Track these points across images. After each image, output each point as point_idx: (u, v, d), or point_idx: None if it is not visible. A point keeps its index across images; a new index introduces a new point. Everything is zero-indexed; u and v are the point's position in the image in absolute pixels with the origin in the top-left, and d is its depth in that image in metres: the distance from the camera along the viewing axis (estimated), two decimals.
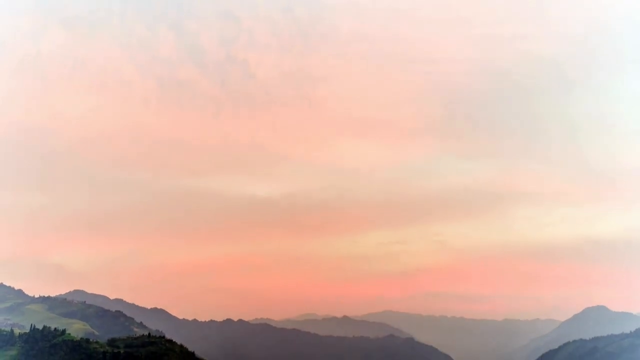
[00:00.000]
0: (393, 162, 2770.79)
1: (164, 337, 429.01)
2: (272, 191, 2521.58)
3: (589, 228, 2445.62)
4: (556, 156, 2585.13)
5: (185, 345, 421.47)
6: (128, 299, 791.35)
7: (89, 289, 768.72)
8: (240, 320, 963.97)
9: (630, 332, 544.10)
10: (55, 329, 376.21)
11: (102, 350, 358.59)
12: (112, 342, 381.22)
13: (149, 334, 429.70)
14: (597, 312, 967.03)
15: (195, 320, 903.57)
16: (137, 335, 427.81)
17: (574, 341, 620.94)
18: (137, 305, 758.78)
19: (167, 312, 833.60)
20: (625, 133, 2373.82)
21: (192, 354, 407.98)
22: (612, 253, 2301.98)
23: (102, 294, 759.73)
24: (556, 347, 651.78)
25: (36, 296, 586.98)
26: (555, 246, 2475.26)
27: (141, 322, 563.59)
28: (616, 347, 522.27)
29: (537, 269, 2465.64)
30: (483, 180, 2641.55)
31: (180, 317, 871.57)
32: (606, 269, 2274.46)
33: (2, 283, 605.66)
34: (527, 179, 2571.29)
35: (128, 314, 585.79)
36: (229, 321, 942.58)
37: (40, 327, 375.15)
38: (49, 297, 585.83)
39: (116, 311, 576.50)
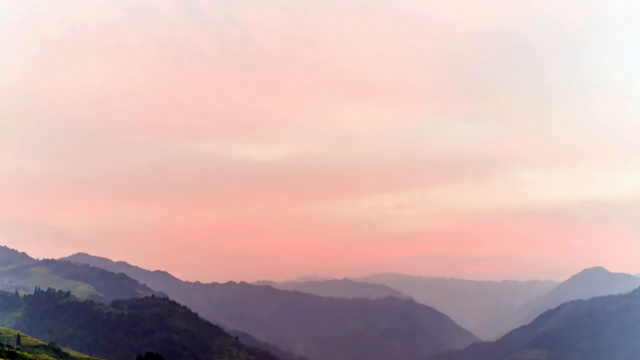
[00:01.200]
0: (395, 125, 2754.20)
1: (167, 298, 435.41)
2: (273, 155, 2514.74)
3: (589, 190, 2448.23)
4: (559, 118, 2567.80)
5: (188, 307, 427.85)
6: (131, 261, 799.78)
7: (92, 252, 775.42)
8: (242, 283, 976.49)
9: (628, 292, 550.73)
10: (59, 291, 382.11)
11: (106, 311, 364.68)
12: (116, 304, 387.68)
13: (153, 295, 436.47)
14: (595, 273, 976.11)
15: (198, 283, 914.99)
16: (141, 297, 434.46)
17: (572, 302, 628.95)
18: (140, 268, 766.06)
19: (170, 274, 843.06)
20: (630, 96, 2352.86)
21: (195, 315, 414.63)
22: (611, 214, 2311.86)
23: (105, 256, 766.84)
24: (554, 307, 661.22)
25: (40, 259, 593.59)
26: (554, 208, 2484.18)
27: (144, 285, 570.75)
28: (614, 307, 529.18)
29: (536, 230, 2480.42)
30: (485, 143, 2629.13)
31: (183, 279, 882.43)
32: (605, 231, 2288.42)
33: (5, 246, 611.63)
34: (529, 141, 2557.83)
35: (131, 277, 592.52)
36: (231, 283, 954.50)
37: (44, 289, 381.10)
38: (52, 260, 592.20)
39: (119, 274, 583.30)
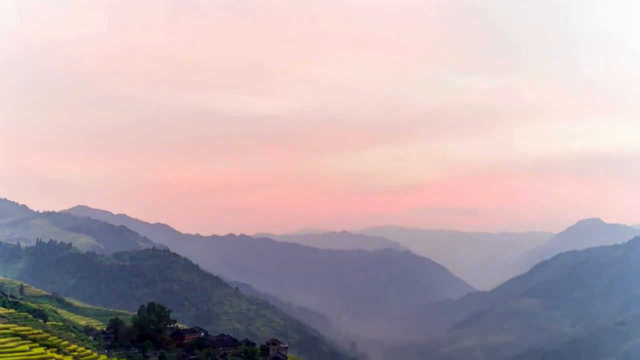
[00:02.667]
0: (395, 78, 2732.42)
1: (168, 250, 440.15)
2: (271, 109, 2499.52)
3: (586, 143, 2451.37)
4: (557, 72, 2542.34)
5: (189, 258, 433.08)
6: (131, 214, 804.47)
7: (93, 205, 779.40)
8: (242, 235, 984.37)
9: (623, 243, 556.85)
10: (61, 242, 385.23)
11: (108, 263, 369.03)
12: (117, 256, 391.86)
13: (153, 247, 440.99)
14: (591, 224, 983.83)
15: (198, 235, 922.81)
16: (142, 249, 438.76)
17: (567, 252, 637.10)
18: (141, 221, 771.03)
19: (170, 227, 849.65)
20: (629, 50, 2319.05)
21: (196, 266, 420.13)
22: (608, 167, 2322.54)
23: (105, 209, 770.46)
24: (549, 258, 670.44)
25: (40, 211, 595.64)
26: (551, 160, 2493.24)
27: (145, 237, 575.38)
28: (608, 257, 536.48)
29: (533, 183, 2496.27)
30: (483, 96, 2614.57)
31: (183, 232, 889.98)
32: (601, 182, 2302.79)
33: (5, 198, 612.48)
34: (528, 94, 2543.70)
35: (132, 229, 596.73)
36: (231, 236, 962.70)
37: (46, 241, 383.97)
38: (53, 212, 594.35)
39: (120, 226, 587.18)
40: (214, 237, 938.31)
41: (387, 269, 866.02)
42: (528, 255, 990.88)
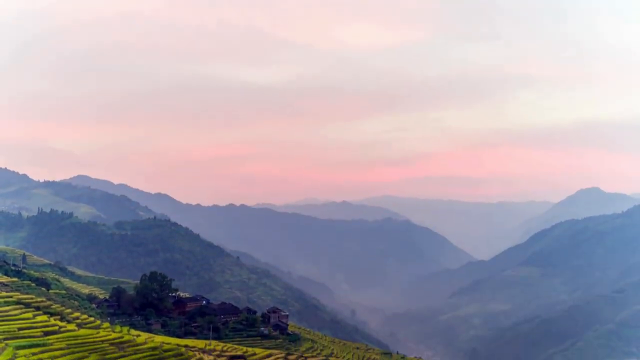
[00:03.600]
0: (394, 46, 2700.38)
1: (169, 220, 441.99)
2: (272, 78, 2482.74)
3: (586, 111, 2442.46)
4: (560, 40, 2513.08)
5: (190, 228, 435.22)
6: (132, 184, 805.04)
7: (93, 174, 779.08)
8: (242, 205, 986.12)
9: (622, 212, 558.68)
10: (62, 212, 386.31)
11: (109, 232, 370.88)
12: (119, 225, 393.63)
13: (155, 217, 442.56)
14: (591, 193, 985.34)
15: (198, 205, 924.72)
16: (143, 218, 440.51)
17: (566, 221, 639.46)
18: (141, 190, 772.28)
19: (170, 197, 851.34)
20: (628, 18, 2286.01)
21: (197, 236, 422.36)
22: (608, 136, 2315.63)
23: (105, 179, 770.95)
24: (549, 227, 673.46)
25: (41, 181, 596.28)
26: (552, 129, 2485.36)
27: (146, 206, 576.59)
28: (607, 226, 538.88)
29: (533, 152, 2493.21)
30: (484, 64, 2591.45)
31: (184, 202, 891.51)
32: (601, 151, 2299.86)
33: (5, 168, 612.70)
34: (528, 63, 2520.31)
35: (133, 199, 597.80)
36: (231, 206, 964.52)
37: (47, 210, 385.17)
38: (53, 182, 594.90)
39: (121, 195, 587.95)
40: (215, 207, 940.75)
41: (386, 238, 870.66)
42: (527, 225, 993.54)
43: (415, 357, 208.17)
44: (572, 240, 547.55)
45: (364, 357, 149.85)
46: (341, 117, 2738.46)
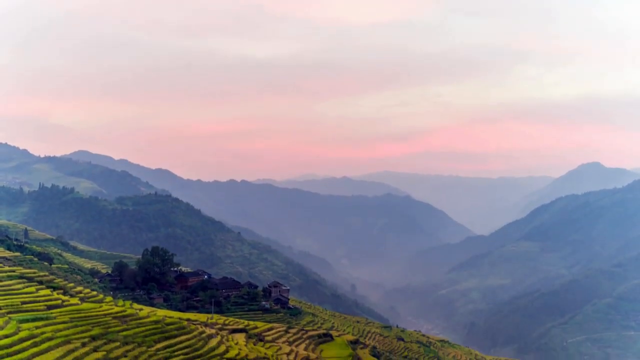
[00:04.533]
0: (394, 22, 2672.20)
1: (170, 196, 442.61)
2: (272, 53, 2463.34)
3: (589, 87, 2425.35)
4: (559, 15, 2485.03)
5: (191, 204, 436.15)
6: (132, 159, 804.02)
7: (93, 150, 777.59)
8: (243, 181, 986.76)
9: (623, 187, 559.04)
10: (63, 187, 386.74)
11: (111, 207, 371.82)
12: (120, 200, 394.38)
13: (156, 193, 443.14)
14: (592, 168, 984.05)
15: (199, 181, 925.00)
16: (144, 194, 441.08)
17: (566, 196, 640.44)
18: (142, 166, 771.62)
19: (171, 172, 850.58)
20: None
21: (198, 211, 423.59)
22: (610, 111, 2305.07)
23: (106, 154, 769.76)
24: (548, 202, 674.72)
25: (41, 156, 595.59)
26: (554, 105, 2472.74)
27: (147, 182, 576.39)
28: (607, 201, 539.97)
29: (534, 127, 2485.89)
30: (487, 39, 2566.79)
31: (185, 177, 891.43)
32: (603, 127, 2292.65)
33: (6, 143, 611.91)
34: (529, 38, 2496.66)
35: (133, 174, 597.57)
36: (232, 182, 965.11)
37: (48, 185, 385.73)
38: (54, 157, 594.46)
39: (122, 171, 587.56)
40: (215, 182, 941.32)
41: (387, 214, 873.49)
42: (527, 200, 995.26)
43: (415, 330, 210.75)
44: (572, 215, 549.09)
45: (364, 330, 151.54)
46: (341, 93, 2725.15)
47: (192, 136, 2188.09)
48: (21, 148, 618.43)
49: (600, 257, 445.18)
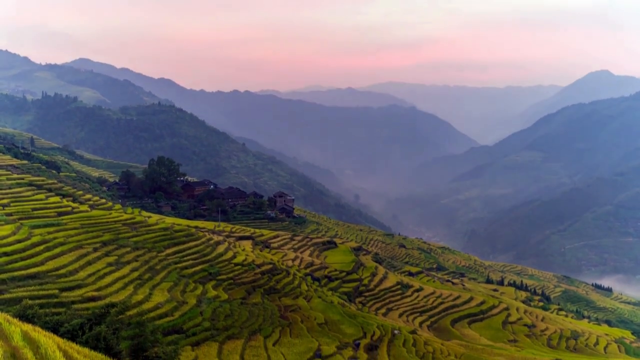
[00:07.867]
0: None
1: (173, 106, 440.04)
2: None
3: None
4: None
5: (195, 114, 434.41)
6: (134, 68, 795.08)
7: (95, 58, 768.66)
8: (246, 92, 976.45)
9: (630, 95, 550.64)
10: (67, 96, 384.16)
11: (115, 117, 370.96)
12: (124, 110, 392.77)
13: (159, 102, 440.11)
14: (600, 76, 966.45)
15: (202, 91, 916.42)
16: (147, 104, 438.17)
17: (573, 105, 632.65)
18: (144, 75, 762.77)
19: (174, 82, 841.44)
20: None
21: (203, 122, 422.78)
22: (621, 17, 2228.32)
23: (108, 62, 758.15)
24: (554, 111, 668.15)
25: (43, 64, 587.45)
26: (563, 11, 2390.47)
27: (150, 92, 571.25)
28: (614, 110, 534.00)
29: (543, 34, 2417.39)
30: None
31: (188, 87, 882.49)
32: (613, 34, 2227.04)
33: (6, 50, 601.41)
34: None
35: (136, 83, 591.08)
36: (236, 92, 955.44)
37: (51, 94, 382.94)
38: (56, 65, 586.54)
39: (124, 80, 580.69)
40: (219, 93, 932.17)
41: (392, 125, 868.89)
42: (534, 109, 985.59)
43: (416, 238, 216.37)
44: (578, 125, 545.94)
45: (366, 238, 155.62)
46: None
47: (194, 44, 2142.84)
48: (22, 55, 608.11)
49: (603, 166, 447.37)
